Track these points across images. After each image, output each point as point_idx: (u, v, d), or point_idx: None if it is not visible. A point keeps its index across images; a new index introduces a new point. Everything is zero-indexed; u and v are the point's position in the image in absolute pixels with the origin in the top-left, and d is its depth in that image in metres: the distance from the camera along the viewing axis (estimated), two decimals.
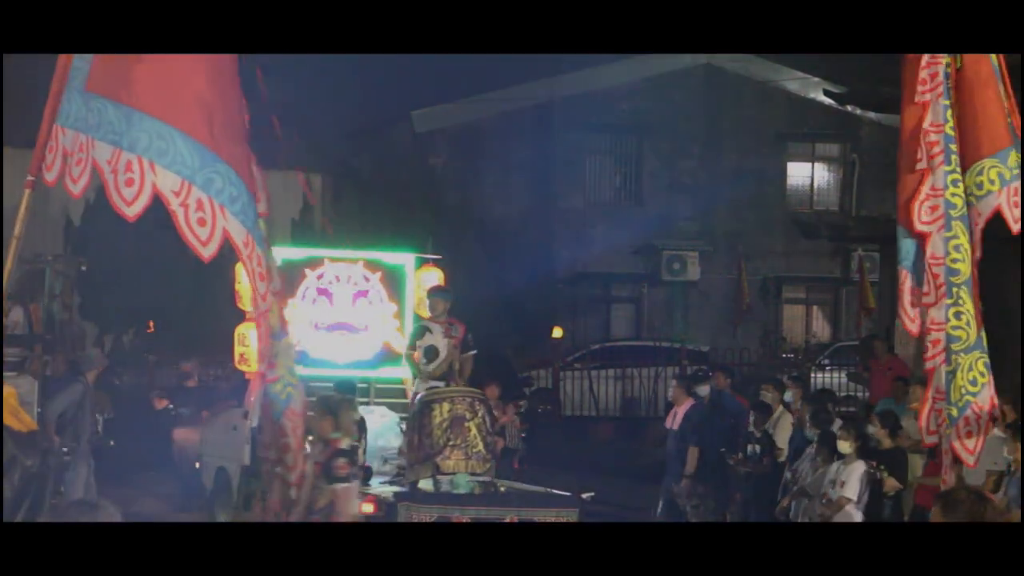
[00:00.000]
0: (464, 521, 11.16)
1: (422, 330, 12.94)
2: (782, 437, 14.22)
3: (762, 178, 31.95)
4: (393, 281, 14.29)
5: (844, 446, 12.14)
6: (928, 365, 8.20)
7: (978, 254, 8.08)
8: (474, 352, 13.10)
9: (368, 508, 11.53)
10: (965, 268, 7.86)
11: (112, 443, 16.41)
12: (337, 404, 11.04)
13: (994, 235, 8.30)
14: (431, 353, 12.76)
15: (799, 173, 32.75)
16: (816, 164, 32.86)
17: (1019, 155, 8.02)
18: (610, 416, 24.64)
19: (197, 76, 6.34)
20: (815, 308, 32.85)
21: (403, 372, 14.23)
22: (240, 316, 13.74)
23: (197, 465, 16.05)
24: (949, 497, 5.67)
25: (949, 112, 7.81)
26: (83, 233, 24.12)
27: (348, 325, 14.23)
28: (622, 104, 31.32)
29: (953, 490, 6.15)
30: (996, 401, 8.30)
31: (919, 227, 8.00)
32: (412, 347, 12.87)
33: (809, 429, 13.43)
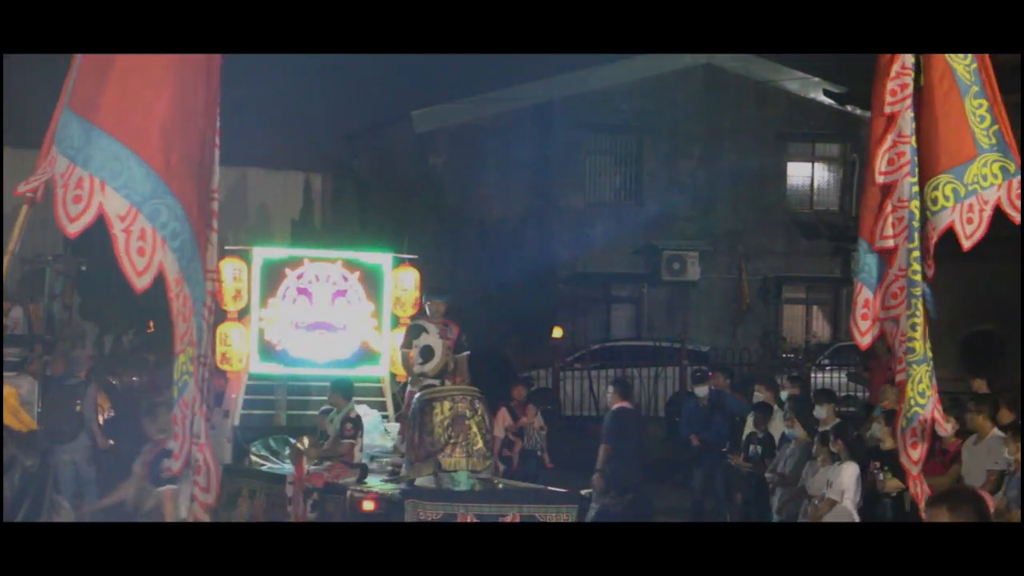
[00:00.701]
0: (468, 517, 11.34)
1: (418, 330, 13.04)
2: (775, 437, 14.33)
3: (762, 178, 31.96)
4: (371, 281, 14.45)
5: (831, 445, 12.22)
6: (899, 378, 8.25)
7: (931, 271, 8.12)
8: (467, 353, 13.23)
9: (369, 506, 11.64)
10: (921, 279, 7.96)
11: (112, 443, 16.41)
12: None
13: (996, 235, 8.28)
14: (427, 353, 12.87)
15: (799, 173, 32.75)
16: (816, 164, 32.87)
17: (982, 168, 8.01)
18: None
19: (161, 102, 6.30)
20: (815, 308, 32.85)
21: (380, 371, 14.47)
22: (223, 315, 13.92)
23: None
24: (955, 496, 5.67)
25: (914, 125, 7.87)
26: (83, 233, 24.05)
27: (327, 324, 14.35)
28: (622, 104, 31.32)
29: (956, 489, 6.14)
30: (939, 416, 8.35)
31: (879, 243, 8.15)
32: (408, 347, 12.98)
33: (788, 428, 13.47)
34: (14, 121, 20.44)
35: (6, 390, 11.74)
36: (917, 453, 8.19)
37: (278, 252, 14.46)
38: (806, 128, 32.24)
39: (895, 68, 7.86)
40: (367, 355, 14.51)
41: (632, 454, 15.15)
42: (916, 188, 7.84)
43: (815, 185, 32.83)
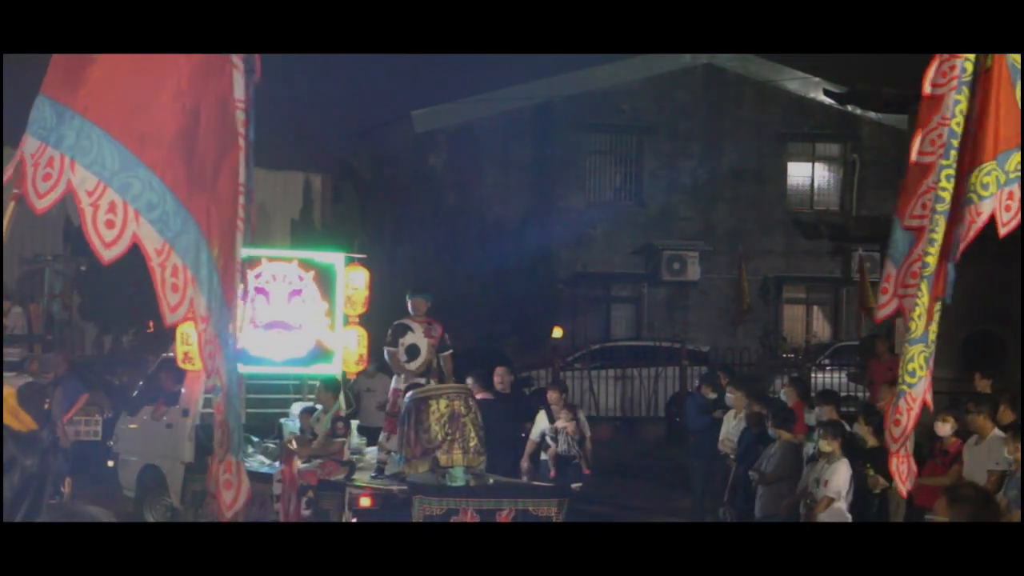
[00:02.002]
0: (469, 512, 11.68)
1: (403, 329, 13.21)
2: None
3: (762, 178, 31.96)
4: (325, 280, 14.62)
5: (824, 445, 12.21)
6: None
7: (957, 256, 8.06)
8: (451, 351, 13.45)
9: (366, 502, 11.86)
10: (933, 262, 7.92)
11: (111, 443, 16.43)
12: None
13: (996, 234, 8.28)
14: (412, 352, 13.10)
15: (799, 173, 32.74)
16: (816, 164, 32.84)
17: (1019, 157, 8.00)
18: (610, 416, 24.61)
19: (140, 86, 6.27)
20: (815, 308, 32.84)
21: (334, 369, 14.63)
22: None
23: (110, 464, 16.05)
24: (956, 493, 5.67)
25: (958, 108, 7.78)
26: (83, 233, 24.07)
27: (283, 323, 14.55)
28: (622, 104, 31.32)
29: (960, 486, 6.14)
30: (929, 400, 8.37)
31: (908, 221, 8.12)
32: (395, 346, 13.12)
33: (771, 429, 13.49)
34: (14, 121, 20.46)
35: (6, 390, 11.71)
36: (899, 430, 8.19)
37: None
38: (806, 128, 32.22)
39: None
40: (321, 353, 14.72)
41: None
42: (949, 171, 7.79)
43: (815, 185, 32.82)
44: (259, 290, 14.37)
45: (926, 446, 13.84)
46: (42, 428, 15.87)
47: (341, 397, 13.67)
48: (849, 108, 29.73)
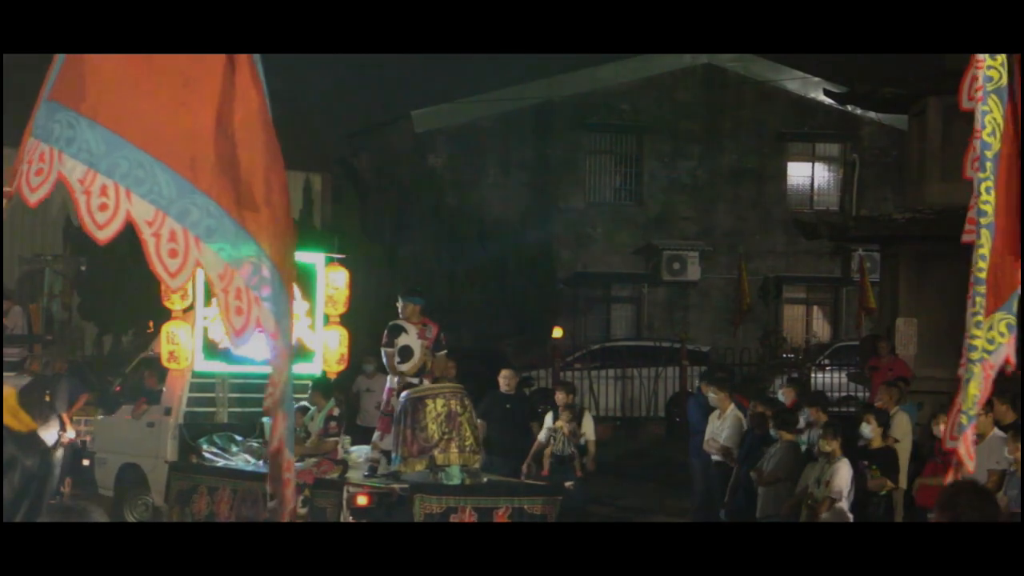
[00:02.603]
0: (467, 509, 11.93)
1: (398, 330, 13.27)
2: (734, 436, 14.45)
3: (762, 178, 31.97)
4: (305, 280, 14.69)
5: (824, 445, 12.21)
6: (960, 372, 7.98)
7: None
8: (445, 352, 13.55)
9: (363, 500, 12.01)
10: (984, 277, 7.61)
11: (72, 437, 16.45)
12: None
13: None
14: (406, 353, 13.14)
15: (799, 173, 32.75)
16: (816, 164, 32.86)
17: None
18: (610, 416, 24.61)
19: (186, 108, 6.26)
20: (815, 308, 32.85)
21: (314, 368, 14.76)
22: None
23: (86, 462, 16.09)
24: (950, 490, 5.67)
25: (987, 118, 7.58)
26: (83, 233, 24.07)
27: None
28: (622, 104, 31.34)
29: (955, 484, 6.14)
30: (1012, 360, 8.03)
31: (964, 238, 7.80)
32: (391, 346, 13.19)
33: (773, 430, 13.51)
34: (14, 121, 20.43)
35: (6, 390, 11.75)
36: (972, 401, 7.91)
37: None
38: (806, 128, 32.24)
39: (979, 58, 7.69)
40: (301, 353, 14.73)
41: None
42: (988, 184, 7.56)
43: (815, 185, 32.83)
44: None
45: (926, 446, 13.86)
46: (45, 420, 15.94)
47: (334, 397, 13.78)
48: (849, 108, 29.73)
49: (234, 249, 6.19)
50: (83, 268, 25.21)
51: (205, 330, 14.31)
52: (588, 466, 15.34)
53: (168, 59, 6.23)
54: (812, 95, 31.44)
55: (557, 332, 25.03)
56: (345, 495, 12.15)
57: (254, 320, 6.18)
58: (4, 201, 6.28)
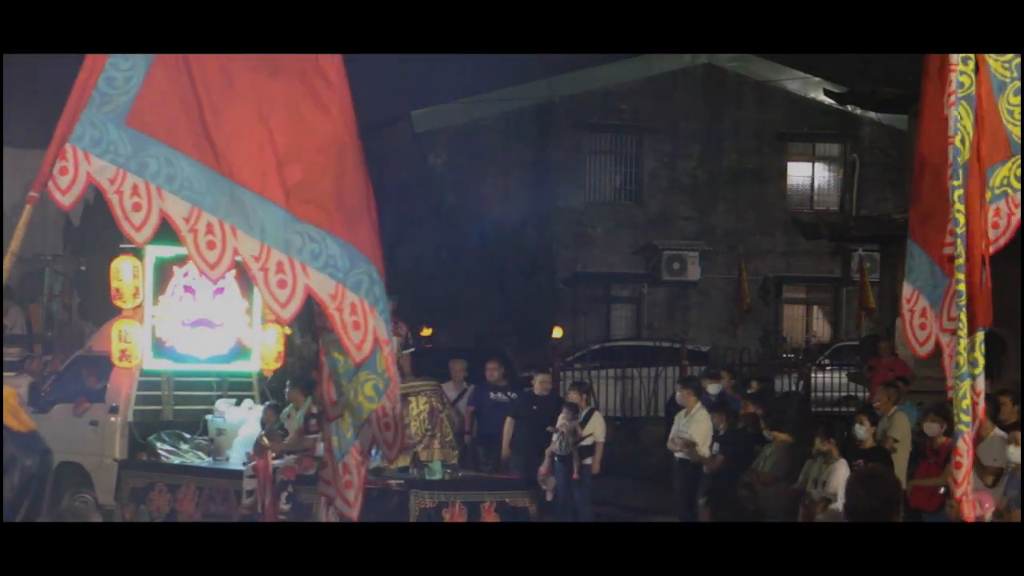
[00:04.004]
0: (456, 504, 12.31)
1: None
2: (700, 433, 14.56)
3: (762, 178, 31.96)
4: (244, 278, 14.82)
5: (820, 445, 12.23)
6: (950, 395, 7.60)
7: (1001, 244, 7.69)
8: (412, 350, 14.19)
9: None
10: (964, 289, 7.43)
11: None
12: None
13: None
14: None
15: (799, 173, 32.74)
16: (816, 164, 32.86)
17: (1013, 168, 7.71)
18: (610, 416, 24.60)
19: (272, 136, 6.22)
20: (815, 308, 32.84)
21: (252, 366, 15.05)
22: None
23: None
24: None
25: (959, 124, 7.40)
26: (83, 233, 24.09)
27: (207, 321, 14.82)
28: (622, 104, 31.33)
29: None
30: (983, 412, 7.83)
31: (947, 250, 7.59)
32: None
33: (765, 431, 13.54)
34: (14, 121, 20.44)
35: (6, 390, 11.74)
36: (960, 473, 7.49)
37: (168, 250, 14.73)
38: (806, 128, 32.23)
39: (952, 61, 7.46)
40: (240, 351, 14.98)
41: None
42: (960, 192, 7.37)
43: (815, 185, 32.83)
44: (187, 288, 14.64)
45: (920, 447, 13.86)
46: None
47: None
48: (849, 108, 29.74)
49: (343, 266, 6.13)
50: (83, 268, 25.18)
51: (153, 328, 14.41)
52: (592, 468, 15.37)
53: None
54: (812, 95, 31.43)
55: (557, 332, 25.03)
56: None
57: (371, 331, 6.11)
58: (26, 204, 6.26)
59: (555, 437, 15.13)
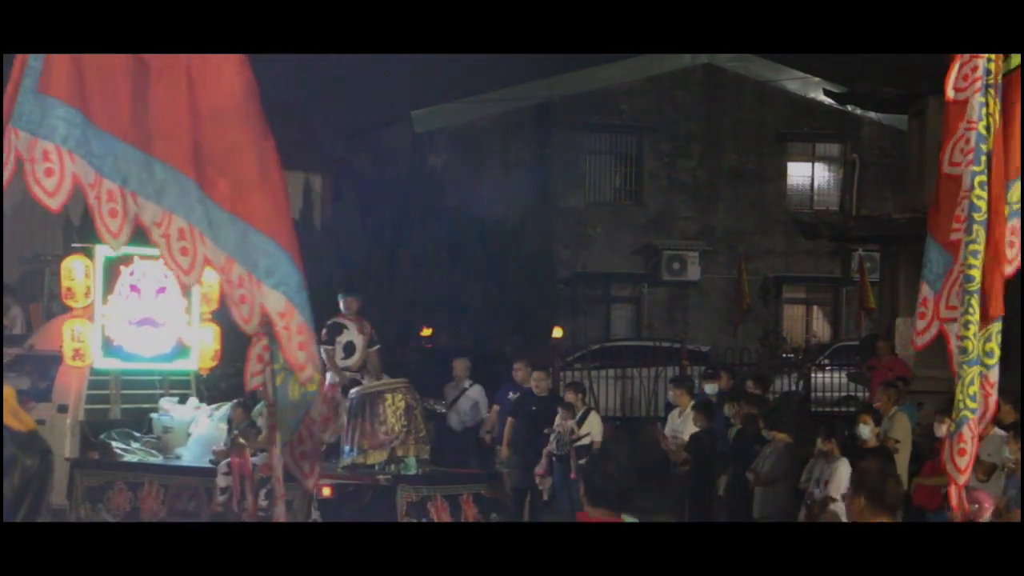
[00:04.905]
0: (438, 497, 12.60)
1: (339, 328, 14.10)
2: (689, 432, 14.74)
3: (762, 178, 31.96)
4: None
5: (821, 444, 12.22)
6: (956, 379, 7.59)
7: (1011, 268, 7.40)
8: (378, 347, 14.27)
9: (326, 492, 12.45)
10: (978, 275, 7.29)
11: None
12: None
13: None
14: (349, 349, 14.03)
15: (799, 173, 32.75)
16: (816, 164, 32.86)
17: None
18: (610, 416, 24.58)
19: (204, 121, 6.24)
20: (815, 308, 32.84)
21: (191, 364, 15.22)
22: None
23: None
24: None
25: (984, 110, 7.29)
26: (83, 233, 24.08)
27: (151, 320, 14.97)
28: (622, 104, 31.33)
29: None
30: (995, 405, 7.81)
31: (950, 237, 7.46)
32: (331, 344, 13.98)
33: (764, 431, 13.55)
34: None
35: (6, 390, 11.74)
36: (964, 461, 7.44)
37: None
38: (806, 128, 32.23)
39: (964, 54, 7.31)
40: (181, 350, 15.16)
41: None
42: (981, 178, 7.25)
43: (815, 185, 32.83)
44: (133, 287, 14.78)
45: (926, 446, 13.85)
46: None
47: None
48: (849, 108, 29.75)
49: (293, 284, 6.16)
50: None
51: (103, 328, 14.47)
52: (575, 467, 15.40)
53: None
54: (812, 95, 31.44)
55: (557, 332, 25.03)
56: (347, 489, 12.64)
57: (259, 306, 6.19)
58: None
59: (552, 437, 15.15)
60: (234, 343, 15.70)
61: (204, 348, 15.26)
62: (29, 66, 6.16)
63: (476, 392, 17.49)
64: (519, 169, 30.52)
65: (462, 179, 29.95)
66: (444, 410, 18.29)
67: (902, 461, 13.36)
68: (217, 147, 6.21)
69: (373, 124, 32.25)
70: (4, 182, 6.07)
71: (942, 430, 12.40)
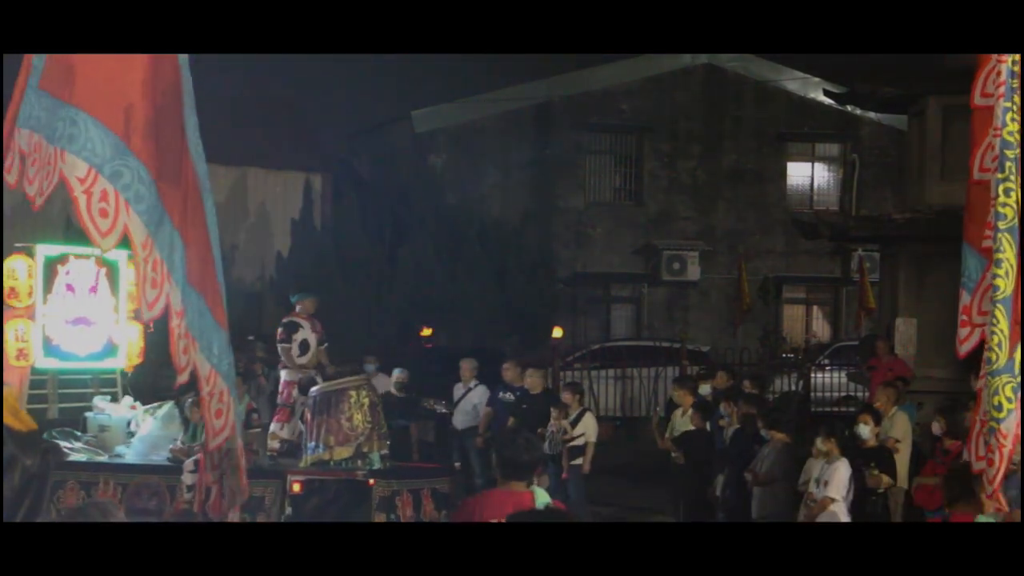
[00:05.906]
0: (404, 492, 12.76)
1: (294, 326, 14.45)
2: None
3: (762, 178, 31.97)
4: (113, 276, 15.03)
5: (820, 444, 12.22)
6: (979, 385, 7.55)
7: None
8: (326, 345, 14.62)
9: (296, 488, 12.65)
10: (1005, 285, 7.14)
11: None
12: None
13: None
14: (305, 347, 14.35)
15: (799, 173, 32.76)
16: (816, 164, 32.87)
17: None
18: (610, 416, 24.61)
19: (134, 78, 6.28)
20: (815, 308, 32.85)
21: (119, 363, 15.23)
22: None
23: None
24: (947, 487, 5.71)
25: (1009, 116, 7.22)
26: (83, 233, 24.06)
27: (85, 319, 14.98)
28: (622, 104, 31.33)
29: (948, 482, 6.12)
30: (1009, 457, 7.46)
31: (986, 243, 7.37)
32: (288, 342, 14.33)
33: (763, 430, 13.55)
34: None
35: (6, 390, 11.76)
36: (992, 471, 7.25)
37: (54, 249, 14.87)
38: (806, 128, 32.24)
39: (992, 58, 7.28)
40: (111, 348, 15.17)
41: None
42: (1008, 185, 7.14)
43: (815, 185, 32.84)
44: (68, 287, 14.77)
45: (926, 446, 13.86)
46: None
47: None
48: (849, 108, 29.75)
49: (155, 220, 6.24)
50: None
51: (43, 327, 14.51)
52: (583, 468, 15.38)
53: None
54: (812, 95, 31.45)
55: (557, 332, 25.04)
56: (287, 482, 12.74)
57: (165, 296, 6.25)
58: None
59: (546, 436, 15.16)
60: (161, 339, 15.72)
61: (130, 345, 15.29)
62: (34, 65, 6.20)
63: (476, 394, 17.50)
64: (519, 169, 30.52)
65: (462, 179, 29.97)
66: (444, 410, 18.31)
67: (902, 461, 13.36)
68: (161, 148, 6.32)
69: (373, 124, 32.26)
70: (12, 182, 6.11)
71: (936, 429, 12.43)
